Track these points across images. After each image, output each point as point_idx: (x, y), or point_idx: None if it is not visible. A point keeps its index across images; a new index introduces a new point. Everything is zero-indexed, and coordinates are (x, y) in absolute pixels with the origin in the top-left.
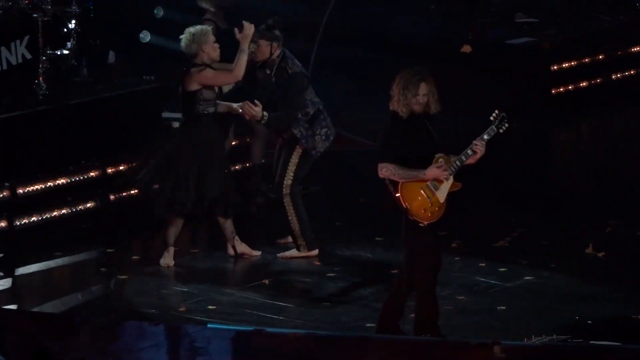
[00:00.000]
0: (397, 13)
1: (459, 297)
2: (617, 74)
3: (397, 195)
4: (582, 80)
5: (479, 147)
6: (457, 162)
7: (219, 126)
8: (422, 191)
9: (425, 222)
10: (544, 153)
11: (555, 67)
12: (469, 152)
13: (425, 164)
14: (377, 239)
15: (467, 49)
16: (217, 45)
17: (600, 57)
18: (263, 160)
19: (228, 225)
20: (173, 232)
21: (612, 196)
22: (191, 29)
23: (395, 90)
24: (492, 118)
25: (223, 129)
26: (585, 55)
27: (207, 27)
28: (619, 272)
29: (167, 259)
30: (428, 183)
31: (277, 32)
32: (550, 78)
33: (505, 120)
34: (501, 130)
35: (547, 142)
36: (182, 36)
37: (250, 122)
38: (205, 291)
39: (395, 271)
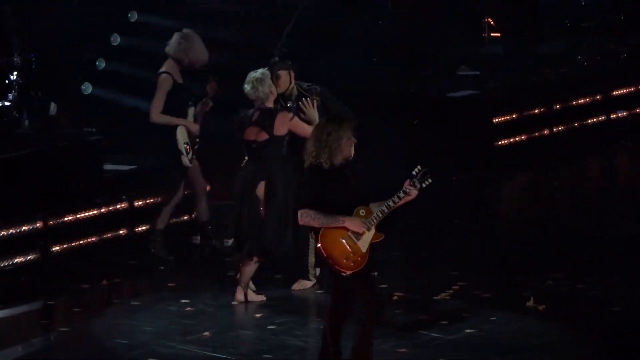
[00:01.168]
0: (343, 63)
1: (400, 350)
2: (559, 127)
3: (318, 245)
4: (525, 133)
5: (412, 192)
6: (379, 214)
7: None
8: (343, 240)
9: (348, 272)
10: (487, 205)
11: (498, 120)
12: (390, 203)
13: (346, 213)
14: (317, 292)
15: None
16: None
17: (543, 109)
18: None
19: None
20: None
21: (553, 249)
22: (256, 75)
23: (319, 141)
24: (414, 173)
25: None
26: (528, 108)
27: (266, 70)
28: (559, 326)
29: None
30: (349, 233)
31: (288, 61)
32: (493, 130)
33: (428, 176)
34: (424, 185)
35: (490, 194)
36: (250, 82)
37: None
38: (147, 343)
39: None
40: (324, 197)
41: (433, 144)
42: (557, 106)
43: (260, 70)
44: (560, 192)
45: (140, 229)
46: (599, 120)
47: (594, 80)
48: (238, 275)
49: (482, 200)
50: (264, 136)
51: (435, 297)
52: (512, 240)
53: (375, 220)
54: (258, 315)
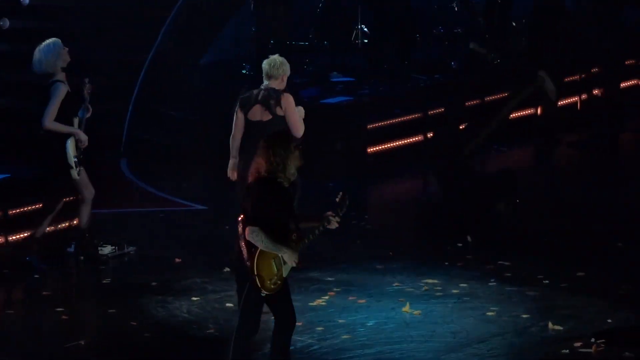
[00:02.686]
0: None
1: None
2: (432, 133)
3: (250, 257)
4: (399, 139)
5: (333, 224)
6: (304, 243)
7: None
8: (272, 262)
9: (266, 293)
10: (359, 212)
11: (370, 126)
12: (314, 236)
13: (284, 232)
14: (193, 298)
15: None
16: None
17: (416, 115)
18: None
19: None
20: None
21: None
22: (278, 57)
23: (277, 156)
24: (337, 200)
25: None
26: (400, 115)
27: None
28: None
29: None
30: (280, 255)
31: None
32: (366, 137)
33: (346, 202)
34: (341, 213)
35: (364, 201)
36: (272, 59)
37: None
38: (21, 353)
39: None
40: (270, 215)
41: (307, 150)
42: (430, 113)
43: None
44: (434, 198)
45: (14, 237)
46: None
47: (467, 86)
48: None
49: (354, 207)
50: (268, 116)
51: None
52: (383, 245)
53: (300, 247)
54: (134, 323)
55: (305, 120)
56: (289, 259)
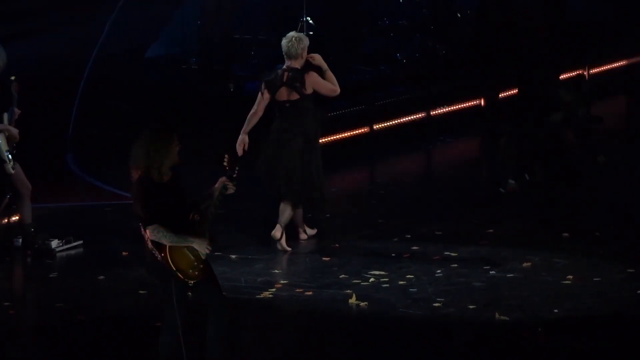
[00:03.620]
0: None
1: None
2: (379, 124)
3: (162, 255)
4: (348, 130)
5: (230, 189)
6: (210, 216)
7: None
8: (186, 250)
9: (192, 282)
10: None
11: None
12: (215, 207)
13: (183, 220)
14: (140, 291)
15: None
16: None
17: (362, 107)
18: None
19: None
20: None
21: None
22: (297, 34)
23: (147, 152)
24: (225, 163)
25: None
26: (348, 106)
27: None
28: None
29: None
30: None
31: None
32: None
33: (237, 165)
34: (234, 176)
35: None
36: (289, 37)
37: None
38: None
39: None
40: (164, 210)
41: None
42: (377, 104)
43: (301, 34)
44: (382, 186)
45: None
46: (419, 118)
47: (413, 78)
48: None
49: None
50: (296, 96)
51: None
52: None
53: (207, 225)
54: (82, 317)
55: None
56: (199, 247)
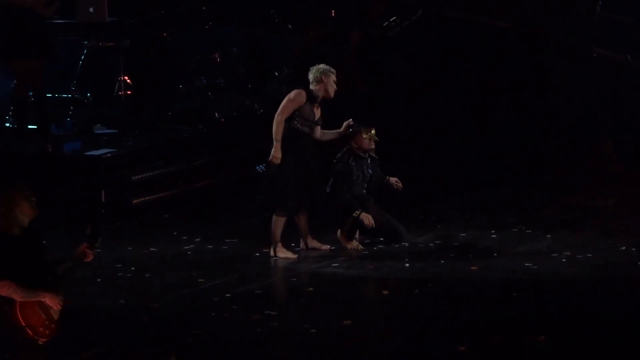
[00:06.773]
0: None
1: None
2: (200, 182)
3: (14, 314)
4: (164, 190)
5: (89, 257)
6: (64, 279)
7: None
8: (37, 308)
9: (42, 340)
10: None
11: (136, 177)
12: (72, 272)
13: (35, 277)
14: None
15: None
16: (335, 88)
17: (181, 166)
18: None
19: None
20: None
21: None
22: (325, 66)
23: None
24: (88, 232)
25: None
26: (165, 166)
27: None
28: None
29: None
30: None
31: None
32: (131, 188)
33: (99, 235)
34: (96, 244)
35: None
36: (317, 67)
37: None
38: None
39: None
40: (10, 268)
41: (67, 202)
42: (196, 163)
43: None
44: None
45: None
46: (242, 175)
47: (232, 136)
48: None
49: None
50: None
51: None
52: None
53: (61, 284)
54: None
55: (69, 172)
56: (52, 302)
